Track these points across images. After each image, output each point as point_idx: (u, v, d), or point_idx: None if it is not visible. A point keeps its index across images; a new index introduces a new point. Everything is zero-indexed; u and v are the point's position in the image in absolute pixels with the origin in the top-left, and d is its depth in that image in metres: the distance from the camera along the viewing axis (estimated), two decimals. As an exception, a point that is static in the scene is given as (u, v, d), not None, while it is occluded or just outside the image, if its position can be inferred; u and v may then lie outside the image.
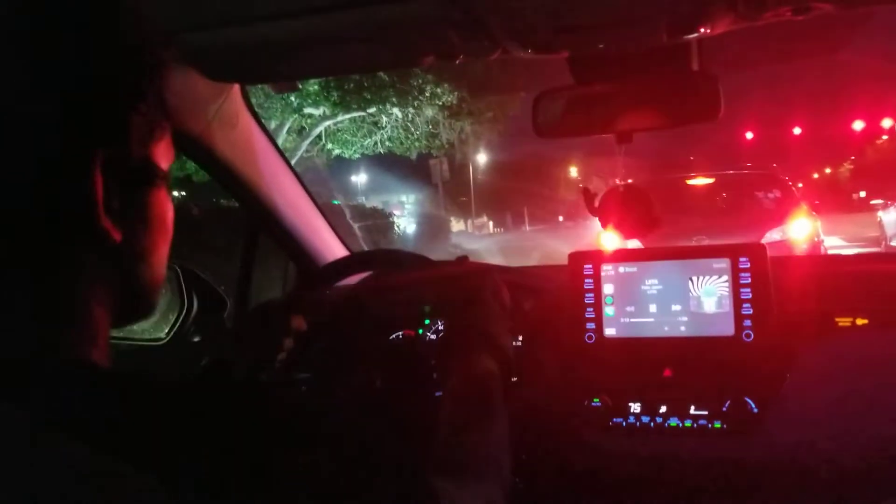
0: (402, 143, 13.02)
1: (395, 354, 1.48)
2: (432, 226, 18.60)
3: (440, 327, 1.57)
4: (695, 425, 1.31)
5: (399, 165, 20.31)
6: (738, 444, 1.27)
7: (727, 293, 1.34)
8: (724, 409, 1.29)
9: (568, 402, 1.40)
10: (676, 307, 1.38)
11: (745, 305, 1.32)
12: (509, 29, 1.07)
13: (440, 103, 11.85)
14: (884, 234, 12.32)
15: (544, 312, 1.51)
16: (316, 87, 10.43)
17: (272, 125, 11.25)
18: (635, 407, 1.36)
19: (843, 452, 1.19)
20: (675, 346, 1.37)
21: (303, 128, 12.08)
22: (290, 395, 1.28)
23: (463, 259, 1.21)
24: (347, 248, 1.99)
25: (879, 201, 13.36)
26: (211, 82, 1.40)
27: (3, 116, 0.51)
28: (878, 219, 12.86)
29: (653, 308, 1.40)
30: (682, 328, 1.37)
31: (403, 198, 25.87)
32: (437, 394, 1.28)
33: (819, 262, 2.32)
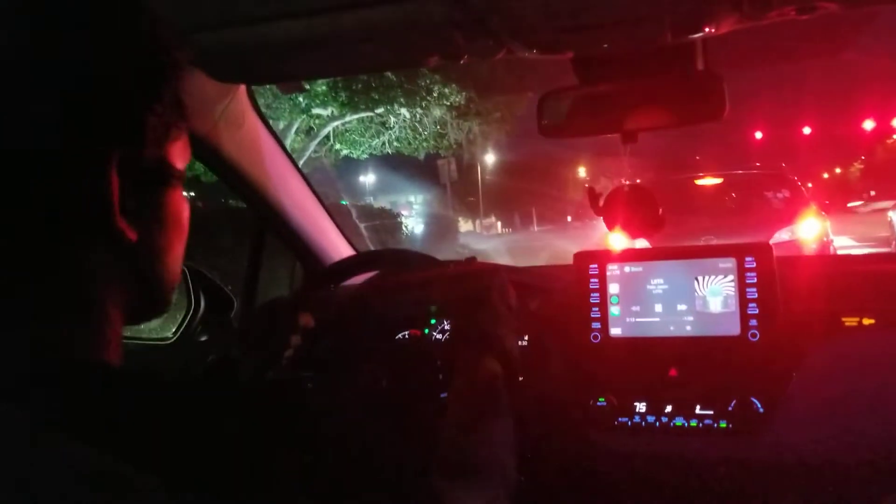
0: (410, 144, 13.03)
1: (400, 354, 1.48)
2: (440, 226, 18.60)
3: (446, 327, 1.57)
4: (700, 425, 1.30)
5: (407, 166, 20.31)
6: (744, 444, 1.27)
7: (733, 293, 1.34)
8: (730, 408, 1.29)
9: (573, 402, 1.40)
10: (682, 307, 1.38)
11: (750, 305, 1.32)
12: (513, 29, 1.07)
13: (448, 103, 11.85)
14: (894, 235, 12.24)
15: (550, 312, 1.51)
16: (324, 87, 10.45)
17: (280, 126, 11.28)
18: (641, 406, 1.36)
19: (849, 452, 1.18)
20: (681, 346, 1.37)
21: (311, 128, 12.10)
22: (295, 393, 1.28)
23: (471, 260, 1.21)
24: (354, 247, 1.99)
25: (888, 203, 13.30)
26: (217, 83, 1.41)
27: (19, 116, 0.51)
28: (889, 219, 12.78)
29: (658, 308, 1.40)
30: (688, 328, 1.37)
31: (411, 198, 25.88)
32: (443, 395, 1.29)
33: (826, 261, 2.31)
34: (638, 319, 1.41)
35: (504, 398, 0.91)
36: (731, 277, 1.34)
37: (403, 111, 11.96)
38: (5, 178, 0.51)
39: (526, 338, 1.46)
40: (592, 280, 1.45)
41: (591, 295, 1.44)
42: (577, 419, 1.38)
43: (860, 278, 1.42)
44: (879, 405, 1.21)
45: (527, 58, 1.19)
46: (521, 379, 1.08)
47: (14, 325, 0.53)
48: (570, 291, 1.49)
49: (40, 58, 0.52)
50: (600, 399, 1.38)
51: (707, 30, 1.05)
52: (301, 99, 10.60)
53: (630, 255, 1.44)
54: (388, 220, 14.14)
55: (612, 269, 1.44)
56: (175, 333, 1.53)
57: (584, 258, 1.47)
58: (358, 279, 1.57)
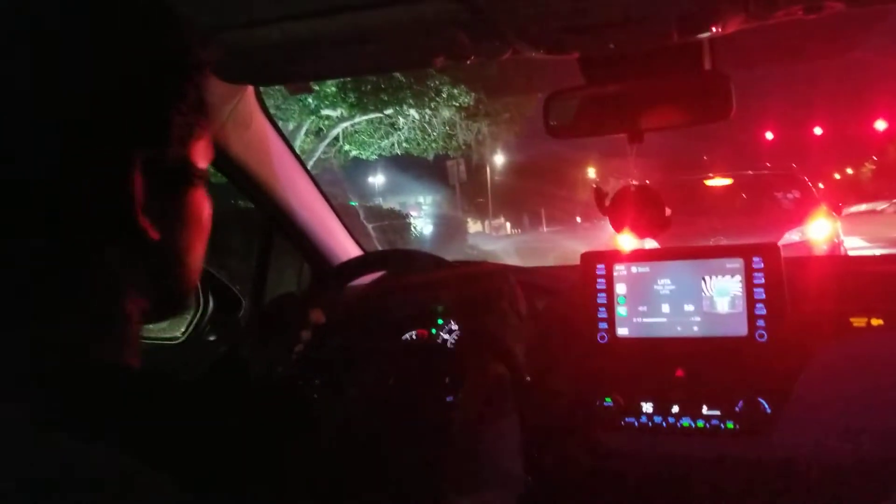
0: (419, 145, 13.03)
1: (407, 355, 1.49)
2: (449, 227, 18.58)
3: (453, 327, 1.57)
4: (707, 425, 1.30)
5: (416, 167, 20.32)
6: (751, 445, 1.26)
7: (740, 293, 1.33)
8: (737, 409, 1.29)
9: (580, 402, 1.40)
10: (689, 307, 1.38)
11: (758, 305, 1.31)
12: (519, 29, 1.08)
13: (457, 104, 11.85)
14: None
15: (557, 312, 1.51)
16: (333, 88, 10.47)
17: (290, 127, 11.31)
18: (647, 407, 1.36)
19: (857, 452, 1.18)
20: (688, 346, 1.37)
21: (320, 129, 12.12)
22: (301, 393, 1.29)
23: (480, 263, 1.21)
24: (362, 248, 2.00)
25: (885, 204, 13.17)
26: (225, 83, 1.41)
27: (44, 115, 0.51)
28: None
29: (665, 308, 1.40)
30: (695, 328, 1.37)
31: (420, 199, 25.88)
32: (449, 398, 1.29)
33: (834, 262, 2.30)
34: (645, 320, 1.41)
35: (511, 405, 0.92)
36: (738, 278, 1.34)
37: (412, 112, 11.97)
38: (29, 178, 0.51)
39: (533, 338, 1.46)
40: (599, 280, 1.45)
41: (599, 295, 1.44)
42: (584, 419, 1.38)
43: (869, 279, 1.41)
44: (887, 406, 1.20)
45: (533, 58, 1.19)
46: (528, 379, 1.08)
47: (34, 324, 0.54)
48: (577, 292, 1.49)
49: (65, 58, 0.52)
50: (607, 399, 1.38)
51: (714, 29, 1.05)
52: (310, 100, 10.62)
53: (637, 256, 1.44)
54: (396, 221, 14.14)
55: (619, 269, 1.44)
56: (184, 333, 1.54)
57: (591, 258, 1.47)
58: (365, 279, 1.58)
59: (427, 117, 12.28)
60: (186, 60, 0.58)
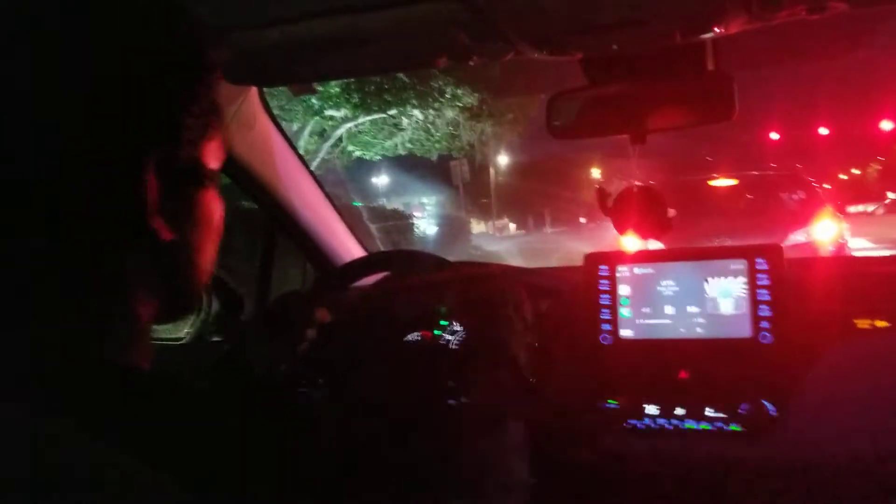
0: (422, 145, 13.05)
1: (410, 357, 1.48)
2: (453, 227, 18.60)
3: (456, 328, 1.57)
4: (711, 427, 1.30)
5: (420, 167, 20.32)
6: (755, 447, 1.26)
7: (744, 294, 1.33)
8: (741, 411, 1.28)
9: (583, 404, 1.39)
10: (693, 308, 1.37)
11: (762, 307, 1.31)
12: (521, 30, 1.08)
13: (461, 105, 11.86)
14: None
15: (560, 313, 1.50)
16: (337, 89, 10.49)
17: (294, 127, 11.33)
18: (651, 409, 1.35)
19: (862, 454, 1.17)
20: (692, 348, 1.36)
21: (324, 130, 12.15)
22: (305, 392, 1.29)
23: (484, 265, 1.21)
24: (365, 249, 2.00)
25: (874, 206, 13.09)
26: (228, 84, 1.41)
27: (56, 116, 0.51)
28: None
29: (669, 309, 1.39)
30: (699, 330, 1.37)
31: (424, 199, 25.88)
32: (451, 401, 1.28)
33: (838, 263, 2.30)
34: (648, 321, 1.41)
35: (515, 405, 0.92)
36: (742, 279, 1.33)
37: (416, 113, 11.99)
38: (40, 178, 0.51)
39: (536, 340, 1.46)
40: (603, 281, 1.44)
41: (602, 296, 1.44)
42: (587, 421, 1.38)
43: (874, 280, 1.41)
44: (891, 407, 1.19)
45: (536, 59, 1.19)
46: (531, 381, 1.08)
47: (37, 324, 0.54)
48: (580, 293, 1.49)
49: (79, 59, 0.52)
50: (610, 401, 1.37)
51: (717, 30, 1.05)
52: (314, 101, 10.64)
53: (640, 257, 1.44)
54: (400, 222, 14.16)
55: (623, 270, 1.43)
56: (188, 334, 1.54)
57: (594, 259, 1.47)
58: (369, 280, 1.58)
59: (431, 118, 12.30)
60: (199, 61, 0.58)
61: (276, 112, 1.67)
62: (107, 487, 0.44)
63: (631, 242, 1.58)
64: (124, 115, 0.53)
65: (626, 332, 1.42)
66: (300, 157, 1.79)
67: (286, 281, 2.03)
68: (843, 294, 1.35)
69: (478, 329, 1.05)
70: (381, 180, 24.70)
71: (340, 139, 12.52)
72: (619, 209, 1.34)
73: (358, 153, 13.15)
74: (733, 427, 1.28)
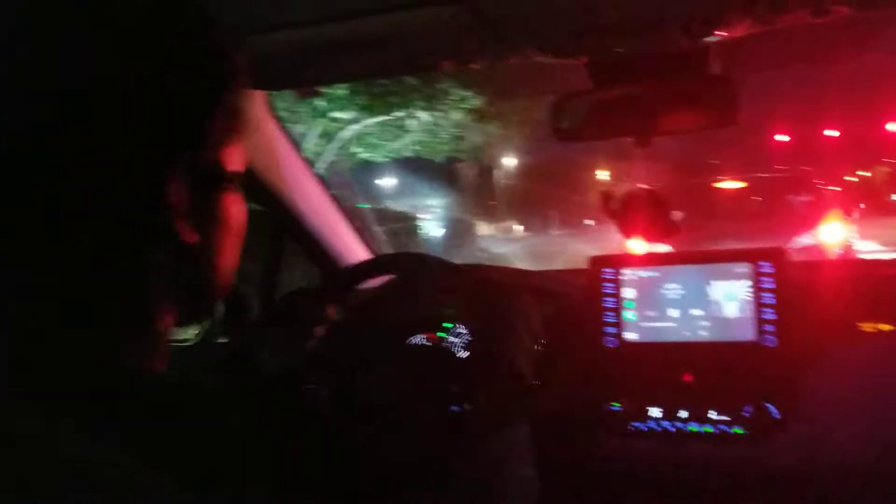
0: (429, 147, 13.05)
1: (414, 359, 1.49)
2: (459, 230, 18.58)
3: (462, 330, 1.57)
4: (715, 430, 1.30)
5: (426, 169, 20.28)
6: (759, 450, 1.26)
7: (749, 298, 1.33)
8: (745, 414, 1.28)
9: (588, 407, 1.40)
10: (697, 312, 1.37)
11: (766, 310, 1.31)
12: (526, 34, 1.08)
13: (467, 107, 11.86)
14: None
15: (565, 316, 1.50)
16: (343, 91, 10.50)
17: (300, 130, 11.35)
18: (655, 412, 1.35)
19: (865, 458, 1.17)
20: (696, 351, 1.36)
21: (330, 132, 12.16)
22: (310, 391, 1.29)
23: (490, 268, 1.21)
24: (371, 251, 2.01)
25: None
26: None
27: (85, 119, 0.51)
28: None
29: (673, 312, 1.39)
30: (703, 333, 1.37)
31: (430, 201, 25.84)
32: (454, 408, 1.28)
33: (844, 266, 2.29)
34: (653, 324, 1.41)
35: (521, 409, 0.92)
36: (746, 282, 1.33)
37: (422, 115, 11.99)
38: (68, 181, 0.52)
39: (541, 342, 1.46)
40: (607, 284, 1.45)
41: (606, 299, 1.44)
42: (591, 424, 1.38)
43: (879, 283, 1.40)
44: (895, 411, 1.19)
45: (540, 62, 1.19)
46: (536, 383, 1.08)
47: (62, 327, 0.54)
48: (585, 296, 1.49)
49: (108, 61, 0.52)
50: (614, 404, 1.38)
51: (721, 34, 1.05)
52: (320, 103, 10.66)
53: (645, 260, 1.44)
54: (406, 224, 14.16)
55: (627, 273, 1.44)
56: (195, 335, 1.55)
57: (599, 262, 1.47)
58: (374, 282, 1.58)
59: (437, 120, 12.29)
60: (226, 65, 0.59)
61: (282, 114, 1.68)
62: (106, 488, 0.45)
63: (637, 245, 1.58)
64: (152, 118, 0.53)
65: (630, 335, 1.42)
66: (306, 161, 1.80)
67: (293, 283, 2.04)
68: (847, 297, 1.35)
69: (485, 338, 1.05)
70: (387, 182, 24.69)
71: (347, 141, 12.53)
72: (623, 213, 1.35)
73: (364, 155, 13.15)
74: (737, 430, 1.28)
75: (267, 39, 1.11)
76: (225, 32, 0.59)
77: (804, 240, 6.61)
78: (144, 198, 0.54)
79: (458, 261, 1.48)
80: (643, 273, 1.42)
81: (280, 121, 1.69)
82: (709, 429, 1.30)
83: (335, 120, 11.69)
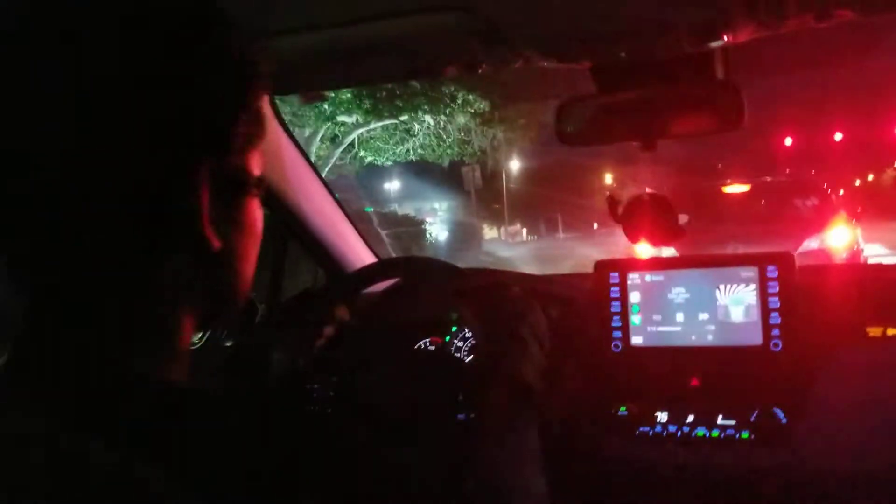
0: (434, 151, 13.09)
1: (420, 364, 1.49)
2: (464, 233, 18.62)
3: (467, 335, 1.57)
4: (722, 435, 1.29)
5: (431, 173, 20.34)
6: (766, 455, 1.25)
7: (755, 302, 1.33)
8: (752, 419, 1.28)
9: (594, 411, 1.39)
10: (704, 316, 1.37)
11: (773, 315, 1.31)
12: (530, 39, 1.08)
13: (472, 111, 11.90)
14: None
15: (571, 321, 1.50)
16: (348, 95, 10.54)
17: (306, 133, 11.39)
18: (662, 416, 1.35)
19: (873, 463, 1.16)
20: (703, 356, 1.36)
21: (336, 136, 12.20)
22: (317, 391, 1.29)
23: (493, 272, 1.21)
24: (376, 254, 2.01)
25: None
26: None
27: (113, 123, 0.51)
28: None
29: (680, 317, 1.39)
30: (710, 337, 1.36)
31: (436, 205, 25.90)
32: (460, 416, 1.28)
33: (851, 270, 2.28)
34: (659, 328, 1.40)
35: (529, 415, 0.92)
36: (752, 286, 1.33)
37: (428, 118, 12.03)
38: (96, 185, 0.51)
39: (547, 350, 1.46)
40: (613, 289, 1.44)
41: (612, 304, 1.44)
42: (598, 429, 1.38)
43: (886, 287, 1.40)
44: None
45: (545, 67, 1.20)
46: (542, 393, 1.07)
47: (82, 334, 0.54)
48: (591, 300, 1.49)
49: (140, 67, 0.52)
50: (621, 408, 1.37)
51: (725, 38, 1.05)
52: (326, 107, 10.70)
53: (651, 264, 1.44)
54: (412, 228, 14.18)
55: (633, 277, 1.43)
56: (201, 339, 1.56)
57: (604, 267, 1.47)
58: (379, 286, 1.58)
59: (442, 123, 12.33)
60: (251, 70, 0.59)
61: (288, 118, 1.69)
62: (106, 488, 0.45)
63: (644, 249, 1.58)
64: (181, 123, 0.53)
65: (636, 340, 1.42)
66: (311, 164, 1.81)
67: (298, 287, 2.04)
68: (854, 301, 1.34)
69: (490, 346, 1.04)
70: (392, 186, 24.77)
71: (352, 145, 12.57)
72: (629, 217, 1.34)
73: (370, 159, 13.20)
74: (744, 434, 1.28)
75: (272, 45, 1.12)
76: (250, 37, 0.59)
77: (811, 243, 6.59)
78: (171, 202, 0.54)
79: (463, 264, 1.48)
80: (649, 277, 1.42)
81: (285, 124, 1.69)
82: (716, 433, 1.30)
83: (341, 124, 11.74)
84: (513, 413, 0.93)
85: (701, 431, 1.31)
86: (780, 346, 1.29)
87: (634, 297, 1.43)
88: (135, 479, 0.45)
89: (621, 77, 1.22)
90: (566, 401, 1.38)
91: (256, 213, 0.63)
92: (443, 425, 1.20)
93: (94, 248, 0.53)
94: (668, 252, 2.39)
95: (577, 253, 16.00)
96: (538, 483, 0.85)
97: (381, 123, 11.96)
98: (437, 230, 17.37)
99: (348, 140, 12.25)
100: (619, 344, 1.43)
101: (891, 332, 1.29)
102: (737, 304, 1.34)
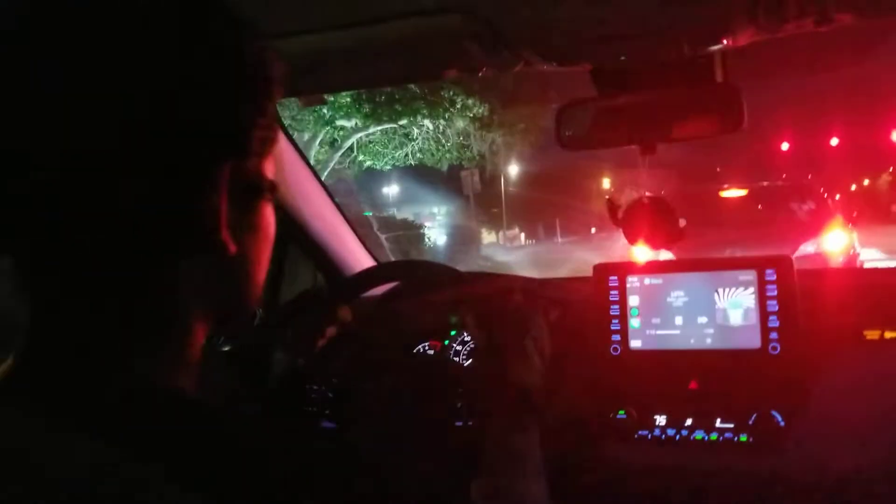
0: (433, 155, 13.10)
1: (419, 369, 1.49)
2: (463, 237, 18.60)
3: (466, 338, 1.57)
4: (721, 438, 1.29)
5: (430, 177, 20.35)
6: (765, 458, 1.25)
7: (753, 305, 1.33)
8: (751, 422, 1.28)
9: (593, 415, 1.39)
10: (702, 319, 1.37)
11: (771, 318, 1.31)
12: (531, 42, 1.08)
13: (471, 115, 11.91)
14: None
15: (569, 324, 1.50)
16: (348, 99, 10.56)
17: (305, 137, 11.40)
18: (661, 419, 1.35)
19: (871, 466, 1.17)
20: (702, 359, 1.36)
21: (335, 140, 12.21)
22: (318, 391, 1.29)
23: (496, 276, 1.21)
24: (375, 258, 2.01)
25: None
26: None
27: (133, 127, 0.51)
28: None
29: (678, 320, 1.39)
30: (709, 340, 1.36)
31: (434, 209, 25.89)
32: (458, 423, 1.28)
33: (849, 274, 2.29)
34: (658, 332, 1.41)
35: (529, 420, 0.92)
36: (751, 290, 1.33)
37: (427, 123, 12.04)
38: (114, 189, 0.51)
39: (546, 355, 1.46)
40: (612, 292, 1.44)
41: (611, 307, 1.44)
42: (597, 432, 1.38)
43: (883, 291, 1.40)
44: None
45: (545, 70, 1.20)
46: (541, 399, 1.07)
47: (93, 340, 0.54)
48: (589, 304, 1.49)
49: (160, 70, 0.52)
50: (620, 412, 1.37)
51: (724, 42, 1.06)
52: (325, 111, 10.71)
53: (650, 268, 1.44)
54: (410, 232, 14.18)
55: (632, 281, 1.43)
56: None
57: (603, 270, 1.47)
58: (378, 290, 1.59)
59: (441, 128, 12.35)
60: (266, 74, 0.59)
61: (287, 122, 1.69)
62: (105, 490, 0.45)
63: (642, 253, 1.58)
64: (200, 128, 0.53)
65: (635, 343, 1.42)
66: (310, 168, 1.81)
67: (296, 291, 2.04)
68: (852, 305, 1.35)
69: (490, 352, 1.05)
70: (391, 190, 24.75)
71: (351, 149, 12.58)
72: (629, 220, 1.35)
73: (369, 163, 13.20)
74: (742, 438, 1.28)
75: (271, 48, 1.12)
76: (266, 43, 0.59)
77: (808, 248, 6.61)
78: (189, 206, 0.53)
79: (461, 268, 1.48)
80: (648, 280, 1.42)
81: (285, 128, 1.69)
82: (714, 437, 1.30)
83: (340, 128, 11.74)
84: (513, 418, 0.93)
85: (699, 435, 1.31)
86: (779, 349, 1.29)
87: (633, 301, 1.43)
88: (135, 480, 0.45)
89: (621, 80, 1.23)
90: (565, 404, 1.39)
91: (270, 217, 0.63)
92: (442, 429, 1.20)
93: (94, 248, 0.52)
94: (666, 256, 2.39)
95: (575, 257, 15.99)
96: (538, 487, 0.85)
97: (380, 127, 11.98)
98: (436, 234, 17.36)
99: (347, 144, 12.26)
100: (618, 347, 1.43)
101: (888, 335, 1.29)
102: (735, 307, 1.35)
